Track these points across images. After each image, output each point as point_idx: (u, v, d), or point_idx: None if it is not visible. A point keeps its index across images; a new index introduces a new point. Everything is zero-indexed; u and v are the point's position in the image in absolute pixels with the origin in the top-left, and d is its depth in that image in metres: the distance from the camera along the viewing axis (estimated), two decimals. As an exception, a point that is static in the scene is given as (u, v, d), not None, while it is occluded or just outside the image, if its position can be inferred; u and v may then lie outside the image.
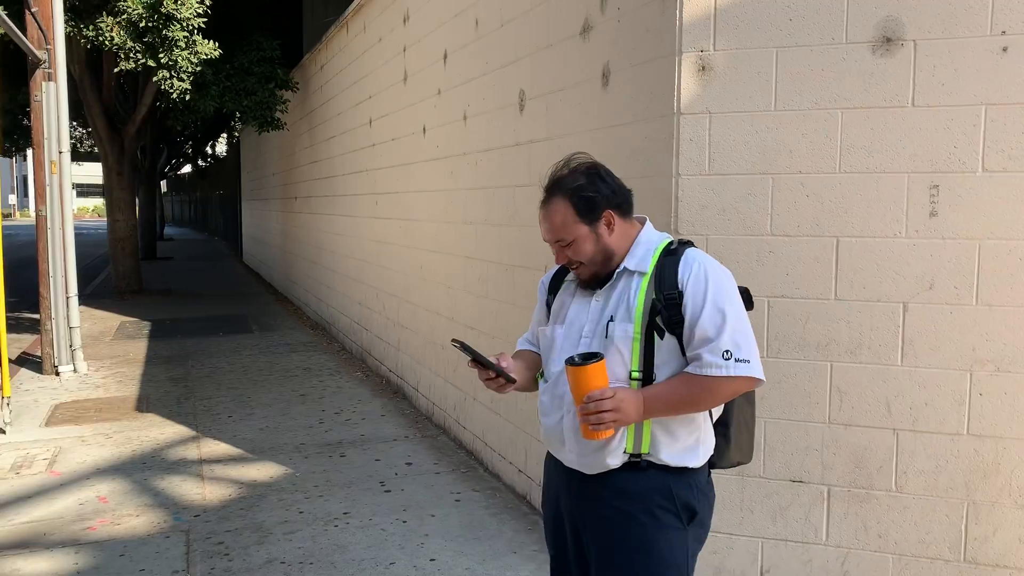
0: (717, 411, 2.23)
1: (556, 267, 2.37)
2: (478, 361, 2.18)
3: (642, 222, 2.26)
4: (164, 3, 9.03)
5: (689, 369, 2.08)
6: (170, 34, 9.19)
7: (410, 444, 5.83)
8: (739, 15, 3.15)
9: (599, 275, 2.20)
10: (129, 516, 4.51)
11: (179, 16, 9.10)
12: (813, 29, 3.08)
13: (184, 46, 9.39)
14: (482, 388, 5.32)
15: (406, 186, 6.91)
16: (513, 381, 2.23)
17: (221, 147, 32.39)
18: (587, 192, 2.16)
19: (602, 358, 2.05)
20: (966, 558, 3.04)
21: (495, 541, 4.17)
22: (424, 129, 6.36)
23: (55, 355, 8.02)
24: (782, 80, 3.13)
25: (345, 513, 4.53)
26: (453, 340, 2.21)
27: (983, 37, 2.91)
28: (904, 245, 3.03)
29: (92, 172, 53.09)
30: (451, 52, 5.73)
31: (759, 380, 2.08)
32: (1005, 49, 2.88)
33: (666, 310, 2.09)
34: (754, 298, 3.07)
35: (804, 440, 3.20)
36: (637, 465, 2.13)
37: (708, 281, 2.08)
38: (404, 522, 4.41)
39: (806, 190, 3.12)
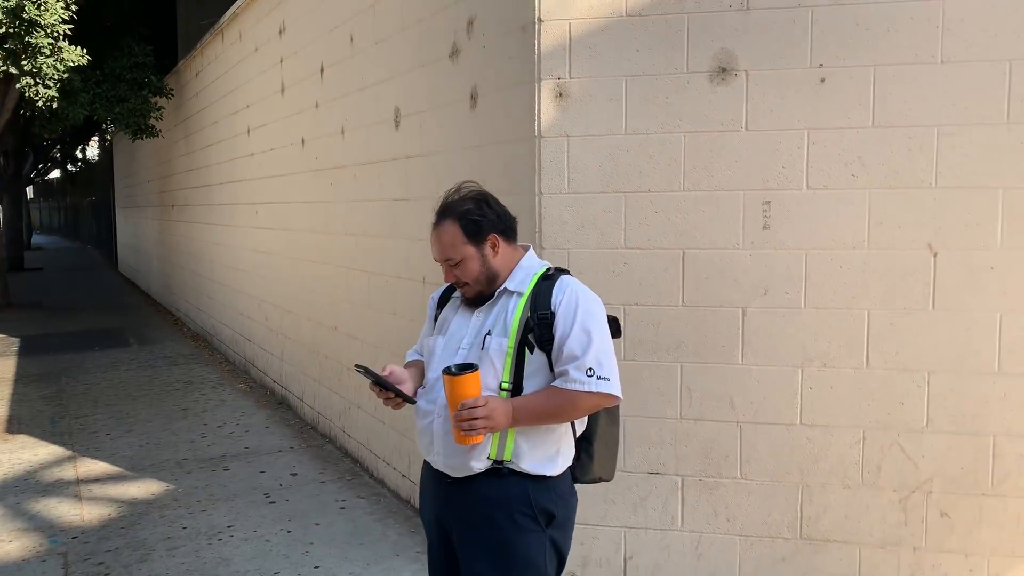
0: (581, 427, 2.45)
1: (445, 285, 2.56)
2: (380, 384, 2.34)
3: (526, 249, 2.49)
4: (26, 8, 8.68)
5: (556, 383, 2.30)
6: (33, 41, 8.84)
7: (295, 455, 5.88)
8: (592, 45, 3.41)
9: (483, 294, 2.40)
10: (1, 542, 4.42)
11: (43, 22, 8.78)
12: (658, 59, 3.36)
13: (49, 53, 9.05)
14: (367, 396, 5.43)
15: (286, 197, 6.93)
16: (414, 402, 2.40)
17: (93, 151, 30.98)
18: (474, 216, 2.36)
19: (477, 369, 2.24)
20: (802, 535, 3.39)
21: (379, 545, 4.31)
22: (303, 141, 6.42)
23: (-87, 377, 7.62)
24: (631, 106, 3.40)
25: (229, 526, 4.57)
26: (356, 365, 2.36)
27: (804, 69, 3.26)
28: (742, 255, 3.35)
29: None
30: (328, 66, 5.82)
31: (617, 397, 2.33)
32: (823, 80, 3.24)
33: (538, 328, 2.31)
34: (611, 305, 3.37)
35: (659, 435, 3.49)
36: (499, 472, 2.32)
37: (579, 306, 2.31)
38: (289, 532, 4.49)
39: (654, 207, 3.41)
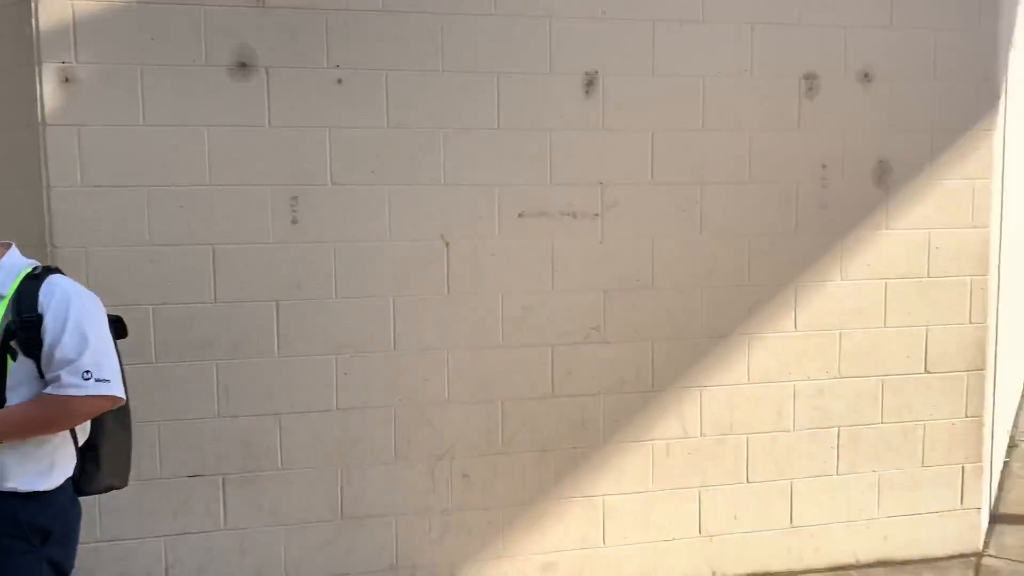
0: (84, 435, 2.29)
1: None
2: None
3: (7, 247, 2.26)
4: None
5: (48, 390, 2.13)
6: None
7: None
8: (100, 29, 3.20)
9: None
10: None
11: None
12: (174, 50, 3.26)
13: None
14: None
15: None
16: None
17: None
18: None
19: None
20: (343, 515, 3.55)
21: None
22: None
23: None
24: (150, 97, 3.26)
25: None
26: None
27: (323, 69, 3.40)
28: (272, 250, 3.40)
29: None
30: None
31: (119, 398, 2.23)
32: (340, 81, 3.41)
33: (23, 332, 2.11)
34: (140, 305, 3.22)
35: (198, 436, 3.40)
36: None
37: (71, 305, 2.16)
38: None
39: (180, 202, 3.31)
